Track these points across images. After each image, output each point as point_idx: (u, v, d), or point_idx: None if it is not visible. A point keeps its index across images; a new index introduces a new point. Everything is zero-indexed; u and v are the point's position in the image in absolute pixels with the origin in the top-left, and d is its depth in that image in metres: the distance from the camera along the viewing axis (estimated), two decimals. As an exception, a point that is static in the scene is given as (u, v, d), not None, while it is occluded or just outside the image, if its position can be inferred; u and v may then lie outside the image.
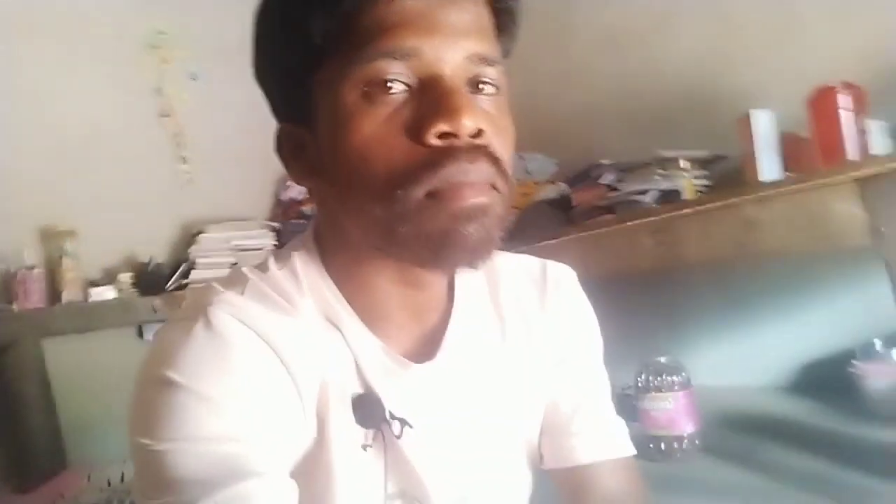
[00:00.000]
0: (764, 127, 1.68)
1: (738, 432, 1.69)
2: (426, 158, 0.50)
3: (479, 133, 0.50)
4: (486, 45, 0.53)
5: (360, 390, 0.58)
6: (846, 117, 1.53)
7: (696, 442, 1.56)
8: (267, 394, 0.52)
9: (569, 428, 0.70)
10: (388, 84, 0.50)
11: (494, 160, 0.52)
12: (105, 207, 2.45)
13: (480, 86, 0.53)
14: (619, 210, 1.85)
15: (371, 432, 0.58)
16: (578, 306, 0.73)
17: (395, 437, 0.58)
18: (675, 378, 1.57)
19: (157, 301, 2.38)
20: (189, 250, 2.49)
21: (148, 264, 2.44)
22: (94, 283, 2.35)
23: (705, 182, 1.84)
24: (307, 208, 2.69)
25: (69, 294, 2.30)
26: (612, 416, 0.73)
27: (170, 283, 2.42)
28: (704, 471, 1.46)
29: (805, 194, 1.13)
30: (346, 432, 0.57)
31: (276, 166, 2.48)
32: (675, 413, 1.54)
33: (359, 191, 0.52)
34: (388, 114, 0.51)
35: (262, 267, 0.60)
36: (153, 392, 0.50)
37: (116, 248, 2.50)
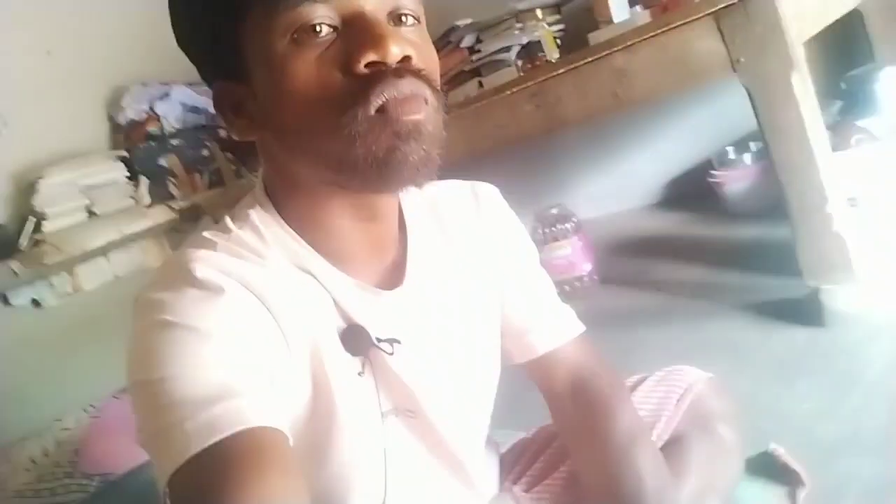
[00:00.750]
0: (608, -38, 1.70)
1: (626, 256, 1.87)
2: (359, 85, 0.52)
3: (405, 59, 0.53)
4: None
5: (343, 324, 0.61)
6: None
7: (595, 277, 1.72)
8: (252, 328, 0.54)
9: (525, 326, 0.76)
10: (315, 27, 0.52)
11: (420, 75, 0.54)
12: (-87, 176, 2.12)
13: (402, 18, 0.56)
14: (486, 71, 1.85)
15: (360, 359, 0.62)
16: (508, 219, 0.78)
17: (388, 354, 0.62)
18: (567, 225, 1.68)
19: (14, 264, 2.16)
20: (32, 202, 2.23)
21: (-9, 228, 2.18)
22: (-66, 263, 2.08)
23: (561, 27, 1.86)
24: (153, 128, 2.47)
25: None
26: (558, 305, 0.81)
27: (23, 241, 2.18)
28: (607, 301, 1.63)
29: (667, 36, 1.18)
30: (340, 364, 0.60)
31: (101, 87, 2.24)
32: (573, 257, 1.67)
33: (304, 130, 0.55)
34: (319, 54, 0.53)
35: (222, 228, 0.62)
36: (149, 335, 0.52)
37: (-55, 219, 2.20)
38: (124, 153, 2.41)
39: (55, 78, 2.44)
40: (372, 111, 0.52)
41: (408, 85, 0.53)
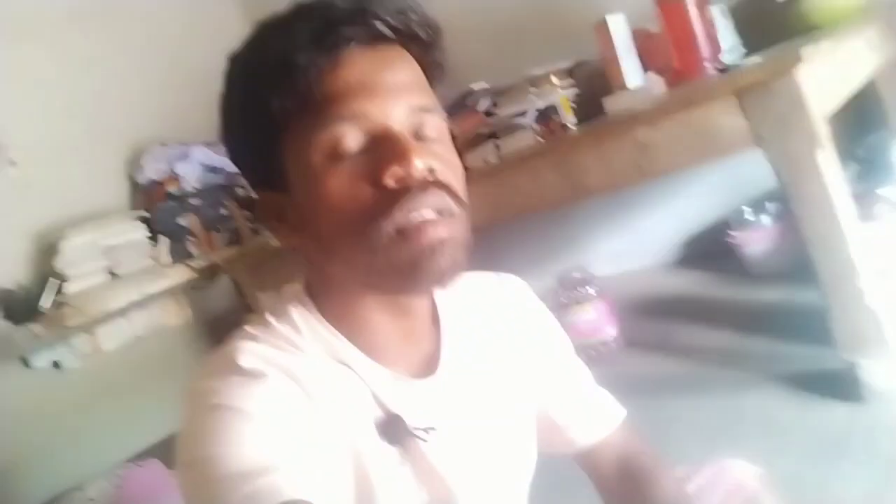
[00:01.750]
0: (621, 31, 1.73)
1: (649, 318, 1.86)
2: (386, 198, 0.56)
3: (429, 171, 0.57)
4: (423, 96, 0.60)
5: (380, 414, 0.63)
6: (693, 11, 1.62)
7: (620, 341, 1.71)
8: (292, 410, 0.57)
9: (566, 422, 0.77)
10: (345, 144, 0.57)
11: (445, 188, 0.58)
12: (-62, 240, 2.15)
13: (426, 132, 0.60)
14: (502, 134, 1.87)
15: (398, 449, 0.63)
16: (538, 312, 0.79)
17: (424, 441, 0.63)
18: (590, 289, 1.68)
19: (36, 327, 2.17)
20: (53, 263, 2.25)
21: (13, 291, 2.19)
22: (-44, 327, 2.10)
23: (575, 90, 1.89)
24: (172, 188, 2.50)
25: (-68, 346, 2.04)
26: (596, 394, 0.81)
27: (45, 304, 2.20)
28: (633, 366, 1.61)
29: (689, 112, 1.20)
30: (378, 454, 0.62)
31: (121, 148, 2.28)
32: (597, 321, 1.67)
33: (336, 238, 0.59)
34: (349, 169, 0.57)
35: (262, 323, 0.65)
36: (195, 418, 0.56)
37: (-32, 281, 2.22)
38: (144, 213, 2.45)
39: (76, 139, 2.49)
40: (393, 228, 0.56)
41: (432, 198, 0.57)
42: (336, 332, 0.63)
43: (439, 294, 0.72)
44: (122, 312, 2.38)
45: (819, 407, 1.22)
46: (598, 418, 0.78)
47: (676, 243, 2.20)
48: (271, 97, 0.57)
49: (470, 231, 0.61)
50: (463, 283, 0.74)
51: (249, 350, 0.60)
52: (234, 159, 0.66)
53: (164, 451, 2.06)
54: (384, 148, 0.56)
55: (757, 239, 1.81)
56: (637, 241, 2.24)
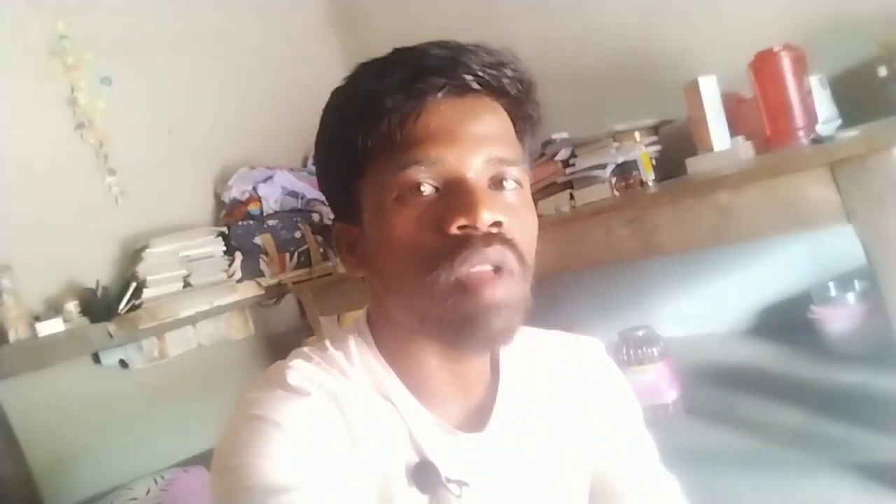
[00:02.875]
0: (712, 92, 1.72)
1: (714, 386, 1.78)
2: (448, 247, 0.57)
3: (496, 224, 0.57)
4: (504, 148, 0.60)
5: (415, 458, 0.62)
6: (790, 79, 1.59)
7: (680, 406, 1.64)
8: (329, 431, 0.58)
9: (623, 491, 0.74)
10: (419, 188, 0.58)
11: (509, 243, 0.58)
12: (36, 235, 2.29)
13: (503, 182, 0.60)
14: (578, 185, 1.87)
15: (428, 498, 0.62)
16: (611, 376, 0.77)
17: (455, 496, 0.61)
18: (654, 349, 1.63)
19: (111, 326, 2.28)
20: (136, 268, 2.36)
21: (95, 290, 2.31)
22: (39, 318, 2.22)
23: (657, 148, 1.88)
24: (253, 207, 2.60)
25: (16, 332, 2.16)
26: (661, 473, 0.77)
27: (122, 306, 2.31)
28: (692, 435, 1.55)
29: (778, 179, 1.16)
30: (407, 499, 0.61)
31: (211, 167, 2.40)
32: (657, 382, 1.61)
33: (398, 279, 0.61)
34: (419, 213, 0.58)
35: (320, 347, 0.67)
36: (236, 426, 0.57)
37: (57, 277, 2.35)
38: (224, 229, 2.55)
39: (172, 155, 2.64)
40: (453, 278, 0.56)
41: (494, 253, 0.57)
42: (387, 366, 0.64)
43: (504, 349, 0.71)
44: (191, 321, 2.47)
45: (891, 501, 1.14)
46: (656, 494, 0.75)
47: (752, 312, 2.12)
48: (357, 135, 0.60)
49: (529, 294, 0.61)
50: (537, 337, 0.76)
51: (299, 368, 0.61)
52: (321, 186, 0.69)
53: (212, 459, 2.10)
54: (454, 196, 0.57)
55: (840, 317, 1.72)
56: (710, 305, 2.17)
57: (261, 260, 2.57)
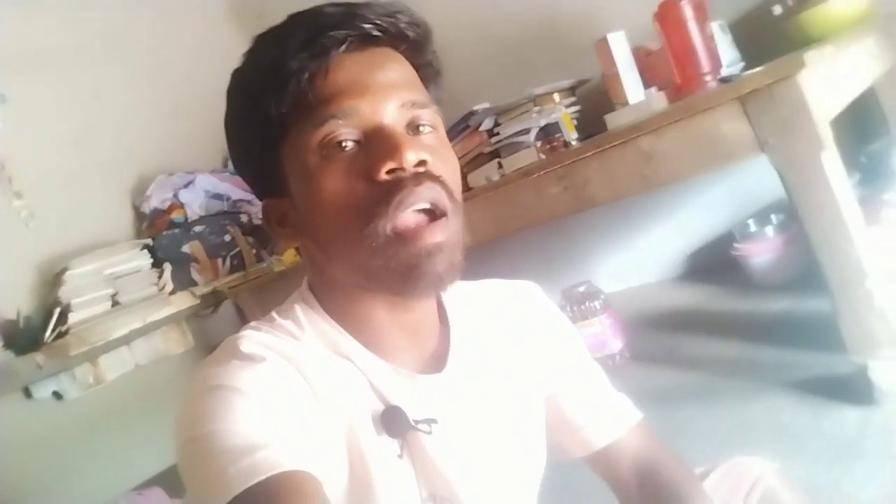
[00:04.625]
0: (622, 48, 1.76)
1: (656, 332, 1.85)
2: (380, 193, 0.57)
3: (422, 163, 0.59)
4: (414, 92, 0.62)
5: (379, 406, 0.63)
6: (693, 27, 1.64)
7: (627, 354, 1.70)
8: (290, 390, 0.58)
9: (581, 421, 0.76)
10: (340, 143, 0.59)
11: (438, 180, 0.59)
12: (-59, 270, 2.15)
13: (419, 127, 0.62)
14: (505, 153, 1.89)
15: (398, 441, 0.62)
16: (551, 315, 0.80)
17: (426, 433, 0.62)
18: (596, 303, 1.67)
19: (39, 357, 2.15)
20: (58, 293, 2.24)
21: (17, 320, 2.18)
22: (-42, 357, 2.08)
23: (577, 108, 1.92)
24: (176, 215, 2.51)
25: (-67, 376, 2.02)
26: (612, 395, 0.79)
27: (48, 334, 2.19)
28: (641, 379, 1.60)
29: (692, 120, 1.21)
30: (377, 446, 0.61)
31: (126, 178, 2.29)
32: (603, 335, 1.66)
33: (335, 238, 0.61)
34: (345, 166, 0.59)
35: (267, 319, 0.67)
36: (195, 399, 0.56)
37: (-29, 312, 2.21)
38: (148, 241, 2.45)
39: (82, 170, 2.51)
40: (390, 229, 0.57)
41: (426, 191, 0.58)
42: (338, 326, 0.65)
43: (449, 295, 0.72)
44: (125, 341, 2.37)
45: (831, 411, 1.21)
46: (613, 418, 0.77)
47: (681, 258, 2.20)
48: (267, 104, 0.60)
49: (465, 231, 0.62)
50: (477, 287, 0.78)
51: (251, 337, 0.61)
52: (239, 170, 0.68)
53: (167, 480, 2.03)
54: (376, 143, 0.58)
55: (762, 250, 1.81)
56: (641, 257, 2.25)
57: (192, 268, 2.49)
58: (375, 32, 0.60)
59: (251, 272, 2.51)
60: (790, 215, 1.82)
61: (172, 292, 2.41)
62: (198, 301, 2.44)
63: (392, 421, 0.62)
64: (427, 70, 0.67)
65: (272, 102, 0.59)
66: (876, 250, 1.16)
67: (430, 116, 0.62)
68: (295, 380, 0.59)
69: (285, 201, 0.64)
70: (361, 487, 0.60)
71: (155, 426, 2.31)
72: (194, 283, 2.46)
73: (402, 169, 0.57)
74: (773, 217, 1.90)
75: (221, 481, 0.50)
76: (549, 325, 0.79)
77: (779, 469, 0.78)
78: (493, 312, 0.76)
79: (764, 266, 1.80)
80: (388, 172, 0.57)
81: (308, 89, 0.58)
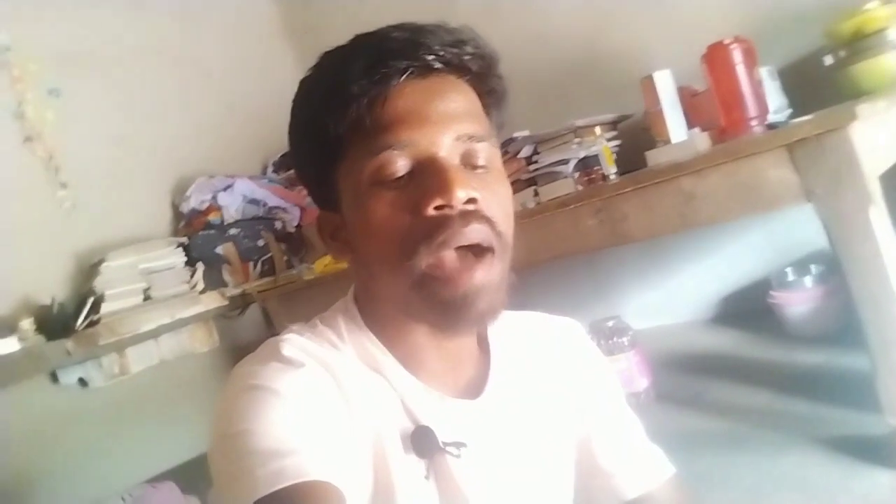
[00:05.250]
0: (667, 86, 1.76)
1: (682, 373, 1.82)
2: (425, 228, 0.57)
3: (472, 201, 0.58)
4: (472, 125, 0.61)
5: (409, 425, 0.63)
6: (741, 70, 1.64)
7: (651, 394, 1.67)
8: (325, 398, 0.59)
9: (612, 469, 0.75)
10: (391, 171, 0.59)
11: (486, 220, 0.59)
12: (-15, 253, 2.21)
13: (475, 161, 0.61)
14: (542, 181, 1.89)
15: (426, 463, 0.62)
16: (593, 357, 0.79)
17: (455, 457, 0.62)
18: (624, 339, 1.65)
19: (69, 343, 2.19)
20: (93, 283, 2.29)
21: (51, 306, 2.23)
22: (-9, 338, 2.13)
23: (617, 143, 1.91)
24: (213, 217, 2.55)
25: (-34, 355, 2.07)
26: (646, 446, 0.77)
27: (79, 322, 2.23)
28: (665, 420, 1.57)
29: (737, 163, 1.20)
30: (404, 465, 0.61)
31: (167, 177, 2.35)
32: (629, 371, 1.64)
33: (378, 263, 0.61)
34: (394, 196, 0.59)
35: (310, 325, 0.68)
36: (233, 396, 0.57)
37: (10, 294, 2.25)
38: (184, 240, 2.50)
39: (125, 166, 2.57)
40: (431, 262, 0.57)
41: (472, 232, 0.57)
42: (377, 341, 0.65)
43: (493, 328, 0.72)
44: (153, 335, 2.41)
45: (862, 472, 1.17)
46: (646, 470, 0.76)
47: (714, 300, 2.17)
48: (327, 123, 0.60)
49: (510, 268, 0.62)
50: (520, 319, 0.77)
51: (293, 342, 0.62)
52: (300, 177, 0.70)
53: (181, 474, 2.05)
54: (428, 177, 0.58)
55: (799, 300, 1.78)
56: (673, 296, 2.22)
57: (223, 270, 2.52)
58: (438, 65, 0.60)
59: (281, 278, 2.53)
60: (830, 267, 1.79)
61: (203, 291, 2.45)
62: (226, 302, 2.47)
63: (421, 441, 0.62)
64: (490, 97, 0.66)
65: (331, 123, 0.60)
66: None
67: (487, 150, 0.62)
68: (331, 389, 0.60)
69: (338, 217, 0.65)
70: (385, 501, 0.60)
71: (174, 421, 2.36)
72: (224, 285, 2.50)
73: (451, 206, 0.57)
74: (813, 267, 1.86)
75: (248, 481, 0.51)
76: (591, 367, 0.78)
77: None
78: (536, 346, 0.75)
79: (800, 316, 1.77)
80: (436, 209, 0.57)
81: (366, 115, 0.59)
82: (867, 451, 1.21)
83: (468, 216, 0.57)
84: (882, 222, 1.09)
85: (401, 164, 0.59)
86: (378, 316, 0.66)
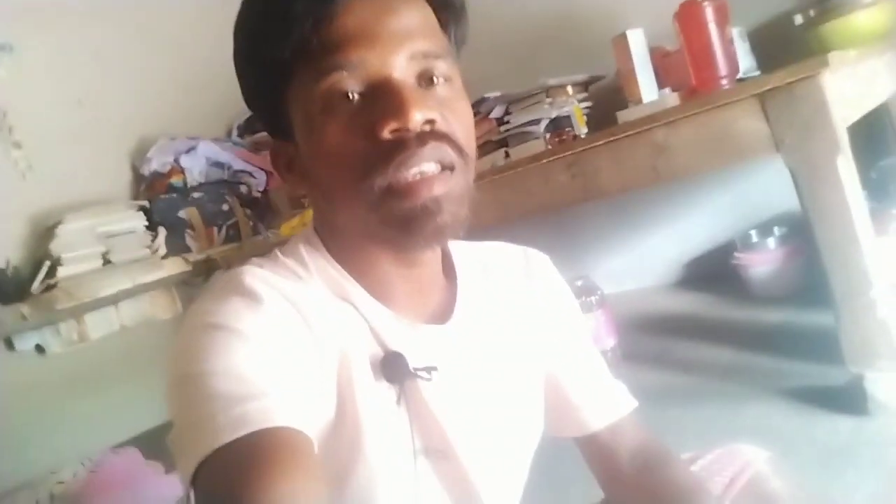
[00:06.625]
0: (640, 45, 1.75)
1: (649, 334, 1.84)
2: (381, 152, 0.55)
3: (429, 122, 0.55)
4: (428, 41, 0.58)
5: (379, 352, 0.61)
6: (713, 28, 1.63)
7: (618, 352, 1.68)
8: (289, 335, 0.56)
9: (578, 402, 0.75)
10: (346, 94, 0.56)
11: (445, 138, 0.56)
12: (-66, 216, 2.11)
13: (433, 78, 0.58)
14: (513, 142, 1.88)
15: (396, 388, 0.61)
16: (560, 289, 0.78)
17: (427, 380, 0.61)
18: (592, 298, 1.66)
19: (24, 308, 2.12)
20: (49, 246, 2.21)
21: (5, 270, 2.15)
22: (-59, 303, 2.05)
23: (588, 104, 1.91)
24: (175, 180, 2.48)
25: (-85, 321, 1.99)
26: (610, 380, 0.78)
27: (35, 285, 2.15)
28: (632, 377, 1.57)
29: (709, 114, 1.20)
30: (372, 392, 0.59)
31: (127, 138, 2.27)
32: (597, 330, 1.64)
33: (335, 190, 0.59)
34: (347, 120, 0.56)
35: (271, 257, 0.65)
36: (192, 335, 0.54)
37: (-41, 259, 2.18)
38: (145, 203, 2.42)
39: (84, 127, 2.48)
40: (387, 185, 0.55)
41: (430, 151, 0.55)
42: (342, 270, 0.63)
43: (459, 250, 0.71)
44: (113, 301, 2.34)
45: (823, 420, 1.20)
46: (611, 403, 0.76)
47: (679, 265, 2.19)
48: (272, 47, 0.57)
49: (472, 183, 0.60)
50: (487, 247, 0.76)
51: (253, 272, 0.59)
52: (250, 107, 0.66)
53: (145, 441, 2.01)
54: (382, 99, 0.55)
55: (762, 261, 1.80)
56: (639, 261, 2.24)
57: (186, 235, 2.45)
58: None
59: (247, 244, 2.48)
60: (793, 229, 1.82)
61: (165, 257, 2.38)
62: (189, 268, 2.41)
63: (392, 366, 0.60)
64: (447, 11, 0.62)
65: (276, 47, 0.56)
66: (882, 262, 1.15)
67: (444, 67, 0.58)
68: (295, 323, 0.57)
69: (292, 146, 0.62)
70: (351, 433, 0.58)
71: (135, 389, 2.30)
72: (188, 250, 2.43)
73: (408, 129, 0.54)
74: (776, 229, 1.89)
75: (210, 427, 0.48)
76: (558, 298, 0.77)
77: (770, 457, 0.78)
78: (503, 275, 0.74)
79: (763, 277, 1.80)
80: (392, 132, 0.54)
81: (312, 35, 0.55)
82: (829, 399, 1.24)
83: (425, 136, 0.55)
84: (849, 171, 1.10)
85: (352, 87, 0.55)
86: (341, 245, 0.64)
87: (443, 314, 0.67)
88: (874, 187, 1.58)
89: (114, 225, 2.32)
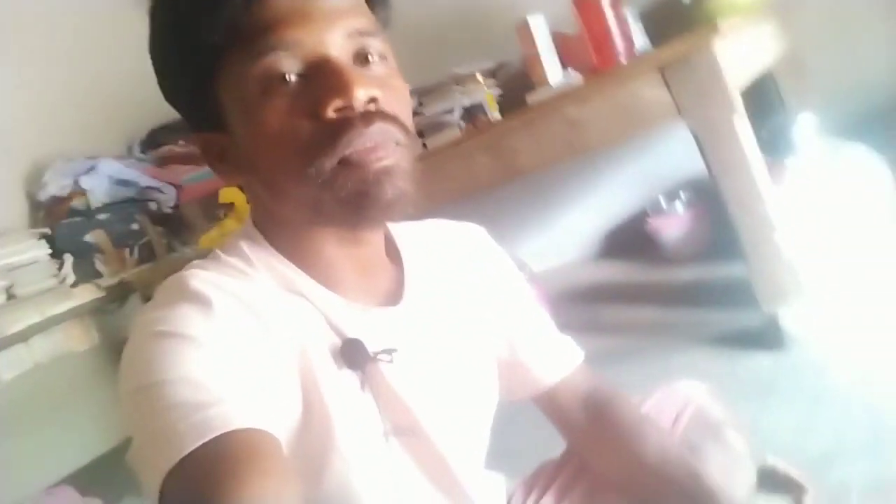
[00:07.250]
0: (542, 29, 1.82)
1: (576, 306, 1.92)
2: (326, 132, 0.54)
3: (373, 100, 0.55)
4: (362, 20, 0.58)
5: (336, 341, 0.61)
6: (608, 11, 1.73)
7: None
8: (243, 337, 0.55)
9: (529, 362, 0.78)
10: (283, 76, 0.55)
11: (390, 118, 0.56)
12: None
13: (368, 57, 0.58)
14: (429, 132, 1.91)
15: (358, 374, 0.61)
16: (499, 257, 0.81)
17: (388, 362, 0.62)
18: (522, 275, 1.72)
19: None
20: (-57, 286, 2.06)
21: None
22: None
23: (498, 91, 1.97)
24: (77, 202, 2.36)
25: None
26: (556, 335, 0.82)
27: (-69, 330, 2.00)
28: (568, 347, 1.65)
29: (616, 88, 1.28)
30: (335, 381, 0.59)
31: (17, 162, 2.15)
32: (530, 306, 1.70)
33: (279, 176, 0.58)
34: (288, 102, 0.55)
35: (212, 257, 0.64)
36: (143, 345, 0.53)
37: None
38: (46, 230, 2.29)
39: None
40: (337, 161, 0.54)
41: (376, 131, 0.55)
42: (287, 262, 0.62)
43: (399, 232, 0.72)
44: (22, 337, 2.20)
45: (745, 359, 1.31)
46: (560, 357, 0.80)
47: (597, 238, 2.30)
48: (199, 31, 0.55)
49: (415, 161, 0.60)
50: (424, 227, 0.77)
51: (198, 276, 0.57)
52: (169, 100, 0.63)
53: (79, 479, 1.91)
54: (323, 78, 0.54)
55: (672, 225, 1.92)
56: (561, 237, 2.33)
57: (96, 259, 2.34)
58: None
59: (163, 263, 2.39)
60: (697, 193, 1.95)
61: (74, 284, 2.26)
62: (103, 294, 2.30)
63: (351, 353, 0.60)
64: None
65: (204, 30, 0.54)
66: (781, 209, 1.26)
67: (378, 45, 0.58)
68: (247, 323, 0.56)
69: (223, 136, 0.60)
70: (321, 426, 0.58)
71: (61, 427, 2.18)
72: (99, 275, 2.32)
73: (352, 108, 0.54)
74: (682, 194, 2.02)
75: (172, 438, 0.47)
76: (499, 267, 0.80)
77: (709, 388, 0.84)
78: (444, 251, 0.76)
79: (675, 239, 1.92)
80: (336, 111, 0.54)
81: (243, 15, 0.54)
82: (748, 340, 1.35)
83: (371, 116, 0.55)
84: (745, 129, 1.21)
85: (289, 67, 0.54)
86: (283, 236, 0.63)
87: (393, 296, 0.68)
88: (766, 144, 1.73)
89: (14, 256, 2.17)
